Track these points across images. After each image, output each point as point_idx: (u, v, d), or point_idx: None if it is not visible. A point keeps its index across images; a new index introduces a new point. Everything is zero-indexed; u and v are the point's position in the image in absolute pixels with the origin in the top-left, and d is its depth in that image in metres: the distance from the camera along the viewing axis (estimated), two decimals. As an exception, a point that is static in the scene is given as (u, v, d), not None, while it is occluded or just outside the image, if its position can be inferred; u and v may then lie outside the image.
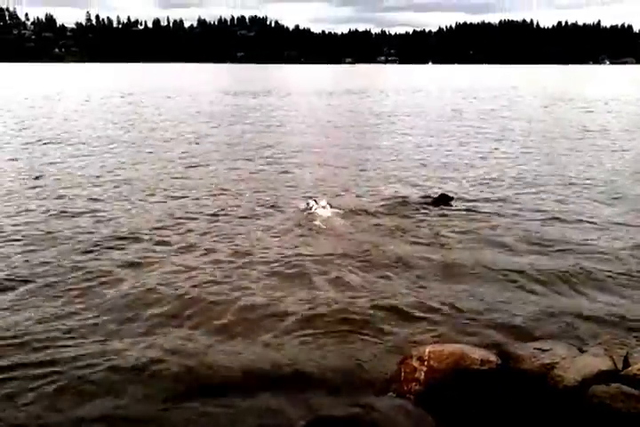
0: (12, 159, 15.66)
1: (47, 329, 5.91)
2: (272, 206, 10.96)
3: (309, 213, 10.25)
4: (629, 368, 4.75)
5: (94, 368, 5.22)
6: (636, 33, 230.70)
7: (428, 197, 11.57)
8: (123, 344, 5.68)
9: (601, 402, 4.41)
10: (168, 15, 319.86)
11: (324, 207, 10.37)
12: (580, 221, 10.16)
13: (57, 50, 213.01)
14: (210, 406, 4.81)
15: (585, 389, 4.56)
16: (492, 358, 5.00)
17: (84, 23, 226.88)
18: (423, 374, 4.89)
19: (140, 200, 11.36)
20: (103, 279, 7.28)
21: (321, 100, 41.11)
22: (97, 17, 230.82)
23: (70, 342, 5.68)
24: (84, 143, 18.59)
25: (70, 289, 6.96)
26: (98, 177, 13.39)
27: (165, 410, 4.76)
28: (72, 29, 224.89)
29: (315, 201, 10.57)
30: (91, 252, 8.27)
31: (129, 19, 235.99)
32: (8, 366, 5.24)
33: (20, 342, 5.65)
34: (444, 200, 11.22)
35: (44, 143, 18.51)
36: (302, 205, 10.67)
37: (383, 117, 27.98)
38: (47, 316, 6.21)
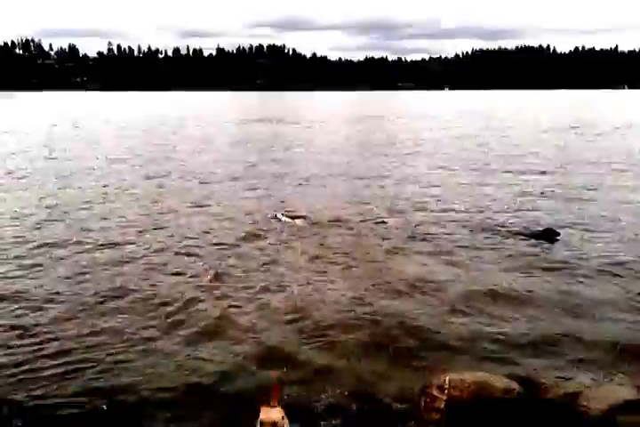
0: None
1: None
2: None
3: None
4: (657, 398, 4.63)
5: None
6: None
7: (527, 228, 11.04)
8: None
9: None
10: (187, 44, 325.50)
11: None
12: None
13: (78, 79, 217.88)
14: None
15: (611, 419, 4.44)
16: (514, 386, 4.90)
17: (105, 52, 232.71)
18: (443, 403, 4.80)
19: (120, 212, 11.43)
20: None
21: (344, 127, 41.37)
22: (118, 46, 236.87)
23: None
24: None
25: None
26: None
27: None
28: (94, 59, 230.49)
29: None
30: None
31: (149, 48, 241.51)
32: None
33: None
34: (549, 235, 10.41)
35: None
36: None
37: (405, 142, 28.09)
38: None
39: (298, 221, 11.57)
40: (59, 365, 5.74)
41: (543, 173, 18.25)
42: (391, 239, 10.49)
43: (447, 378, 4.95)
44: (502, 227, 11.33)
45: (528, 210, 13.03)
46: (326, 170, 18.91)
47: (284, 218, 11.77)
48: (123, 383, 5.42)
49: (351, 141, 29.73)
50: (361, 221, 11.85)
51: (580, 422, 4.49)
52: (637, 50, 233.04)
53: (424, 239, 10.47)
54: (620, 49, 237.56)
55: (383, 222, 11.69)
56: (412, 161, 21.26)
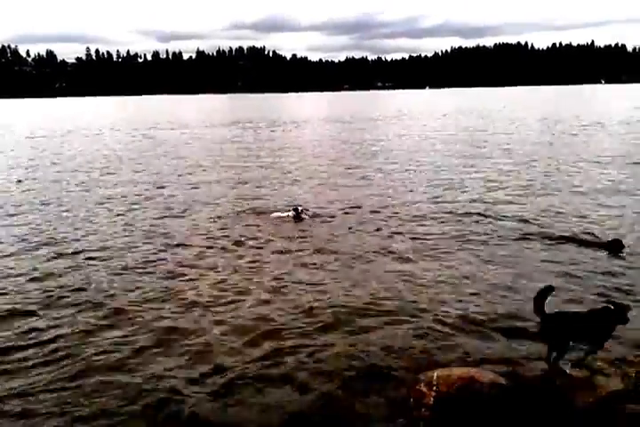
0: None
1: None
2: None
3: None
4: (642, 388, 4.69)
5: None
6: (629, 52, 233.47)
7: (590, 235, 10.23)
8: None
9: (613, 423, 4.33)
10: (167, 48, 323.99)
11: None
12: None
13: (57, 85, 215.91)
14: None
15: (599, 409, 4.48)
16: (502, 380, 4.94)
17: (84, 58, 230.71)
18: (432, 399, 4.82)
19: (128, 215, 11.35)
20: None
21: (328, 128, 41.42)
22: (97, 51, 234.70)
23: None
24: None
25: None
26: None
27: None
28: (72, 64, 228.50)
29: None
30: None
31: (128, 52, 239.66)
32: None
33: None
34: (615, 247, 9.43)
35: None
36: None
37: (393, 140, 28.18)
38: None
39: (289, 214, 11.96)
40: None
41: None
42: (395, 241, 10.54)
43: (435, 374, 4.97)
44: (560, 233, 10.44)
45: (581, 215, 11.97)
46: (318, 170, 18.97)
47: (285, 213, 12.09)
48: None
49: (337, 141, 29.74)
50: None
51: (566, 413, 4.53)
52: (613, 45, 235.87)
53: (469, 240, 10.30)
54: (596, 44, 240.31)
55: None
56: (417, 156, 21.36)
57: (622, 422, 4.33)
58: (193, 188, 16.22)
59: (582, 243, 9.83)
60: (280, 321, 6.82)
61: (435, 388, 4.84)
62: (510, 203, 13.22)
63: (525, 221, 11.45)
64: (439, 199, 13.79)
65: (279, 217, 11.95)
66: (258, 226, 11.51)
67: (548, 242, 9.97)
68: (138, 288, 8.04)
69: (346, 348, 6.13)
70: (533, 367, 5.23)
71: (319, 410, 5.03)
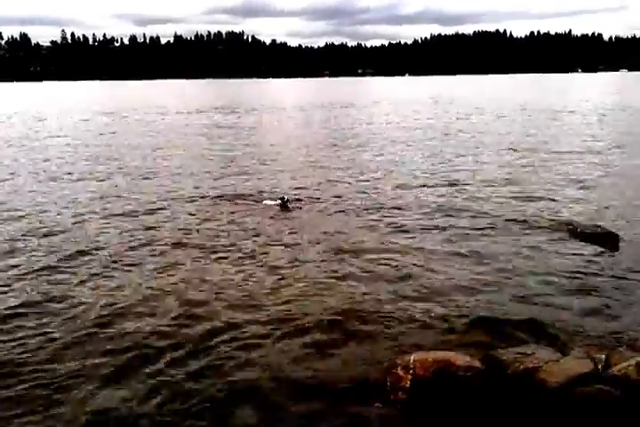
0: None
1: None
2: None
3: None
4: (610, 370, 4.84)
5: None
6: (605, 41, 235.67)
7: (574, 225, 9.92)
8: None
9: (583, 403, 4.48)
10: (145, 32, 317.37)
11: None
12: None
13: (32, 68, 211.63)
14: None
15: (568, 391, 4.63)
16: (476, 363, 5.06)
17: (59, 41, 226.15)
18: (409, 382, 4.93)
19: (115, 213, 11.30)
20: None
21: (311, 114, 41.27)
22: (72, 35, 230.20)
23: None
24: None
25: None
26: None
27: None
28: (47, 48, 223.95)
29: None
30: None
31: (105, 36, 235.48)
32: None
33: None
34: (609, 240, 9.19)
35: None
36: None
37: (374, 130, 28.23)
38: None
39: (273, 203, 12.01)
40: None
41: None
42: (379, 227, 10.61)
43: (412, 358, 5.07)
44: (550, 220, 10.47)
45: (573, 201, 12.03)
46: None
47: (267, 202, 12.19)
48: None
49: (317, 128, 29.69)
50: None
51: (538, 395, 4.67)
52: (590, 34, 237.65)
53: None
54: (573, 33, 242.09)
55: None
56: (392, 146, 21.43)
57: (591, 402, 4.48)
58: (175, 174, 16.14)
59: (576, 235, 9.58)
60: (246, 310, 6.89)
61: (411, 371, 4.94)
62: (495, 192, 13.36)
63: (504, 211, 11.53)
64: (415, 185, 13.93)
65: (267, 205, 11.97)
66: (246, 214, 11.47)
67: (529, 231, 9.99)
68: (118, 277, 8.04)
69: (322, 333, 6.23)
70: (507, 350, 5.34)
71: (294, 393, 5.12)
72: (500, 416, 4.66)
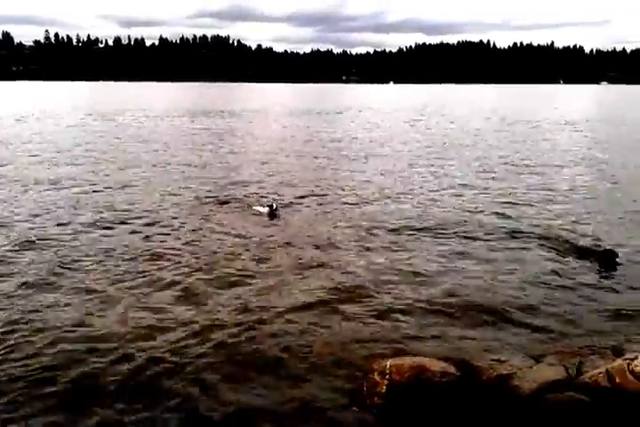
0: None
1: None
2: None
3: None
4: (582, 377, 4.94)
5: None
6: (587, 54, 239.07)
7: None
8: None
9: (555, 410, 4.57)
10: (129, 34, 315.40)
11: None
12: None
13: (14, 68, 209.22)
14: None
15: (540, 397, 4.72)
16: (452, 369, 5.13)
17: (42, 41, 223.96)
18: (385, 387, 4.99)
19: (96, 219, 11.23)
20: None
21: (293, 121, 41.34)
22: (56, 35, 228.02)
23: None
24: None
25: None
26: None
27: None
28: (30, 47, 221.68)
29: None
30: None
31: (89, 37, 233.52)
32: None
33: None
34: (607, 259, 8.82)
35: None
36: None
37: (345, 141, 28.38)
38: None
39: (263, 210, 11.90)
40: None
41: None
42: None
43: (388, 363, 5.14)
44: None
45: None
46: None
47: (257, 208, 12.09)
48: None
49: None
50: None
51: (511, 401, 4.75)
52: (572, 46, 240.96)
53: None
54: (555, 45, 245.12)
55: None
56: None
57: (562, 408, 4.57)
58: (163, 178, 16.09)
59: (573, 250, 9.41)
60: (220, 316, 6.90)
61: (387, 376, 5.00)
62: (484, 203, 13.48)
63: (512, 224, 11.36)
64: (399, 191, 14.09)
65: (256, 211, 11.88)
66: (235, 221, 11.39)
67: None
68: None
69: (302, 337, 6.27)
70: (482, 357, 5.44)
71: (273, 398, 5.16)
72: (475, 422, 4.73)
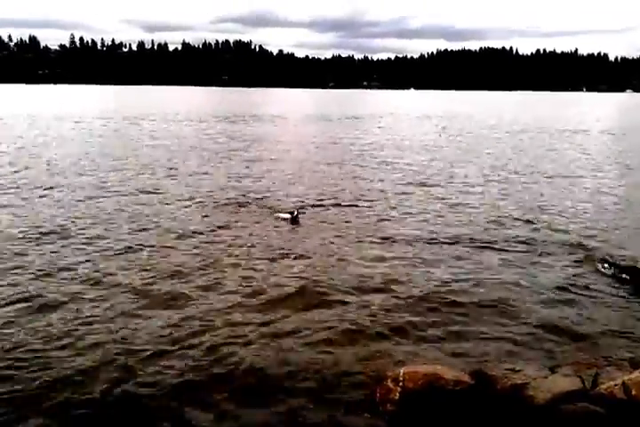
0: None
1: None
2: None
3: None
4: (597, 388, 4.90)
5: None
6: (611, 62, 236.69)
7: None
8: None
9: (569, 420, 4.54)
10: (152, 38, 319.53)
11: None
12: None
13: (40, 71, 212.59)
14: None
15: (554, 408, 4.69)
16: (466, 378, 5.12)
17: (67, 45, 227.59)
18: (398, 394, 4.99)
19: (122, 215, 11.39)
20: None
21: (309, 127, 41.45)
22: (81, 39, 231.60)
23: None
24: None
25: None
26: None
27: None
28: (56, 51, 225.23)
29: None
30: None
31: (113, 41, 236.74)
32: None
33: None
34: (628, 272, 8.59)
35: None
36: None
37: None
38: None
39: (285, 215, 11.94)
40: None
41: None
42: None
43: (402, 371, 5.14)
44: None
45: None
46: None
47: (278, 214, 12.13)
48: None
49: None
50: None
51: (525, 411, 4.73)
52: (596, 54, 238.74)
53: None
54: (579, 52, 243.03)
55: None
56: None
57: (576, 419, 4.54)
58: (192, 178, 16.24)
59: (594, 260, 9.27)
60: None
61: (401, 384, 5.01)
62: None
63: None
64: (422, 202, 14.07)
65: (279, 218, 11.93)
66: (257, 226, 11.45)
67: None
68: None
69: (315, 346, 6.30)
70: (496, 366, 5.42)
71: (283, 402, 5.19)
72: (488, 431, 4.72)
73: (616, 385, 4.77)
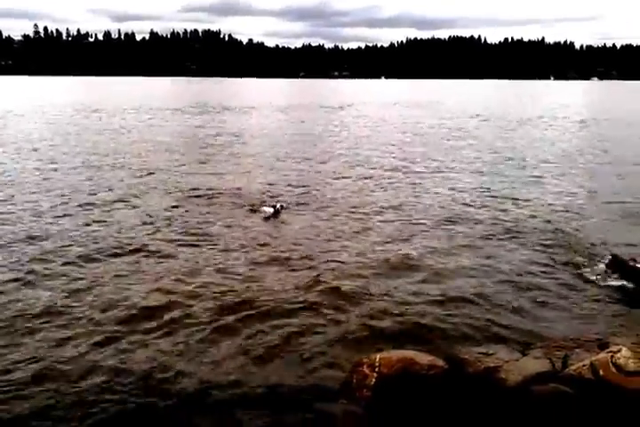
0: None
1: None
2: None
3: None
4: (567, 369, 5.04)
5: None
6: (577, 50, 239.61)
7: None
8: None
9: (539, 401, 4.67)
10: (120, 28, 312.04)
11: None
12: None
13: (3, 62, 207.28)
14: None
15: (526, 389, 4.81)
16: (440, 362, 5.22)
17: (31, 35, 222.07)
18: (374, 380, 5.06)
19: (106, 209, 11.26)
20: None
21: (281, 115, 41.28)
22: (45, 29, 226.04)
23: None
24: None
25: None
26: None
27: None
28: (19, 41, 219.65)
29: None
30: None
31: (79, 31, 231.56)
32: None
33: None
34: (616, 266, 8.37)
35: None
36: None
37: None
38: None
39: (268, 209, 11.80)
40: None
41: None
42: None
43: (377, 356, 5.21)
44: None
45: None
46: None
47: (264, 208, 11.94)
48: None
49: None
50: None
51: (497, 393, 4.84)
52: (562, 42, 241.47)
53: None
54: (546, 41, 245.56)
55: None
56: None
57: (546, 399, 4.67)
58: (148, 173, 16.08)
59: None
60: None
61: (376, 369, 5.08)
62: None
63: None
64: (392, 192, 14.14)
65: (261, 211, 11.77)
66: (239, 219, 11.42)
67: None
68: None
69: (294, 329, 6.35)
70: (469, 350, 5.52)
71: (262, 388, 5.24)
72: (462, 414, 4.81)
73: (584, 366, 4.91)
